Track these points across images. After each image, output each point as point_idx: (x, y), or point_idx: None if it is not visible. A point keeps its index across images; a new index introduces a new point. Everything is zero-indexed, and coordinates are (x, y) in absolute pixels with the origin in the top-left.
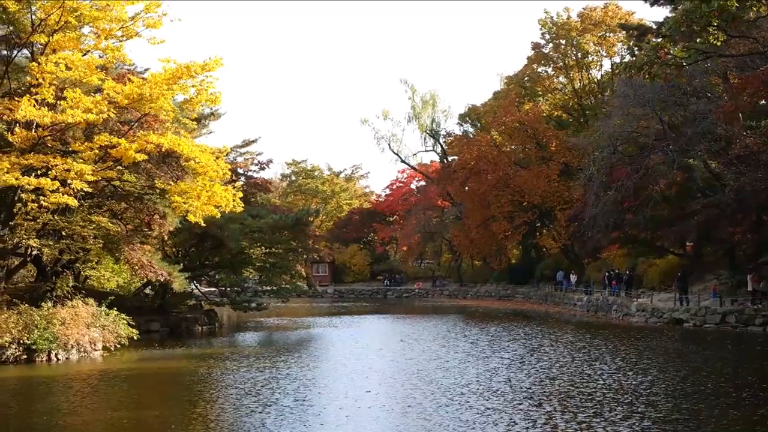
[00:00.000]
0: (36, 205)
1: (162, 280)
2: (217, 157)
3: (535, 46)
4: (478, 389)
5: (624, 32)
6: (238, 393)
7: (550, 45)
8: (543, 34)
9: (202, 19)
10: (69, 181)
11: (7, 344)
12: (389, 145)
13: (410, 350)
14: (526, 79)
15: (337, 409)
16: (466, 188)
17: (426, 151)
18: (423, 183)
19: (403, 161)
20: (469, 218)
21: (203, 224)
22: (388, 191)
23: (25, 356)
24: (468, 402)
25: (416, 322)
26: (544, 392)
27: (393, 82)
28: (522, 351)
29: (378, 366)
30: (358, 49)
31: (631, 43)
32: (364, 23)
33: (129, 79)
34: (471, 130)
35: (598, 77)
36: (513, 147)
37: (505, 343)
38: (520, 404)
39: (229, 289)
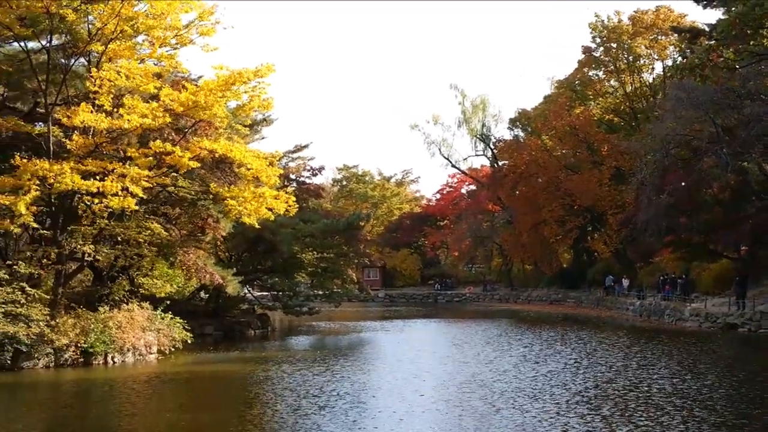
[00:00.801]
0: (102, 205)
1: (216, 284)
2: (270, 163)
3: (586, 50)
4: (533, 393)
5: (676, 35)
6: (293, 395)
7: (601, 49)
8: (594, 37)
9: (253, 23)
10: (127, 186)
11: (65, 347)
12: (439, 149)
13: (463, 354)
14: (576, 82)
15: (392, 412)
16: (517, 192)
17: (476, 155)
18: (473, 187)
19: (453, 166)
20: (519, 222)
21: (257, 226)
22: (438, 196)
23: (82, 359)
24: (523, 406)
25: (468, 326)
26: (601, 396)
27: (443, 87)
28: (576, 355)
29: (431, 369)
30: (408, 54)
31: (683, 46)
32: (415, 28)
33: (183, 87)
34: (521, 134)
35: (650, 80)
36: (564, 151)
37: (558, 347)
38: (576, 408)
39: (281, 293)
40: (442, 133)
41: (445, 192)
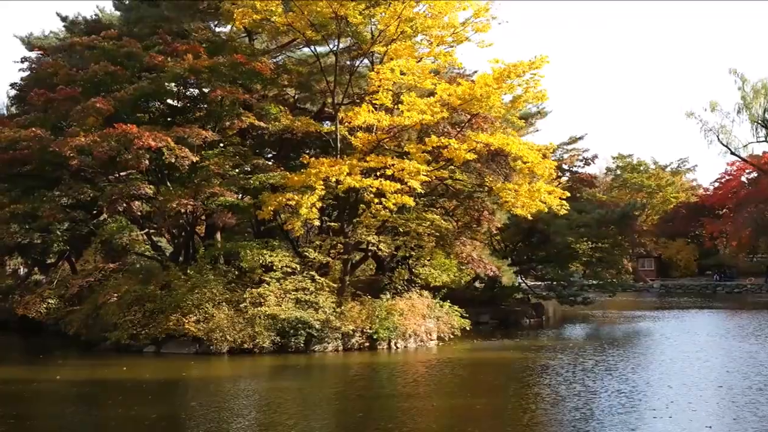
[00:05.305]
0: (380, 206)
1: (491, 274)
2: (544, 156)
3: None
4: None
5: None
6: (573, 382)
7: None
8: None
9: (522, 16)
10: (405, 180)
11: (351, 332)
12: (717, 137)
13: (758, 345)
14: None
15: (686, 402)
16: None
17: (758, 141)
18: (755, 175)
19: (732, 153)
20: None
21: (530, 219)
22: (716, 184)
23: (367, 344)
24: None
25: (754, 318)
26: None
27: (720, 73)
28: None
29: (724, 362)
30: (682, 41)
31: None
32: (687, 15)
33: (458, 82)
34: None
35: None
36: None
37: None
38: None
39: (555, 282)
40: (719, 120)
41: (723, 180)
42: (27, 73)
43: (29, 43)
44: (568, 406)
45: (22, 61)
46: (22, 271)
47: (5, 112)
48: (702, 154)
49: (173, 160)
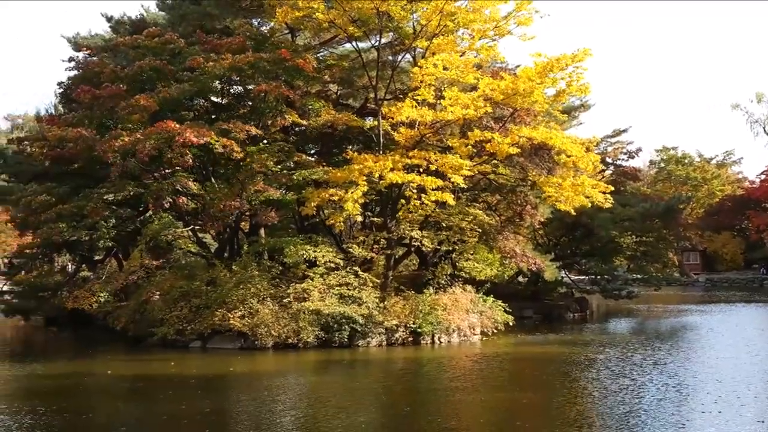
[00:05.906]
0: (419, 202)
1: (534, 268)
2: (588, 149)
3: None
4: None
5: None
6: (622, 377)
7: None
8: None
9: (565, 7)
10: (448, 176)
11: (395, 327)
12: (764, 128)
13: None
14: None
15: (735, 397)
16: None
17: None
18: None
19: None
20: None
21: (573, 213)
22: (762, 177)
23: (411, 339)
24: None
25: None
26: None
27: (766, 64)
28: None
29: None
30: (727, 33)
31: None
32: (733, 9)
33: (501, 76)
34: None
35: None
36: None
37: None
38: None
39: (599, 277)
40: (766, 111)
41: None
42: (74, 72)
43: (76, 43)
44: (615, 401)
45: (69, 61)
46: (70, 267)
47: (53, 110)
48: (748, 146)
49: (221, 149)
